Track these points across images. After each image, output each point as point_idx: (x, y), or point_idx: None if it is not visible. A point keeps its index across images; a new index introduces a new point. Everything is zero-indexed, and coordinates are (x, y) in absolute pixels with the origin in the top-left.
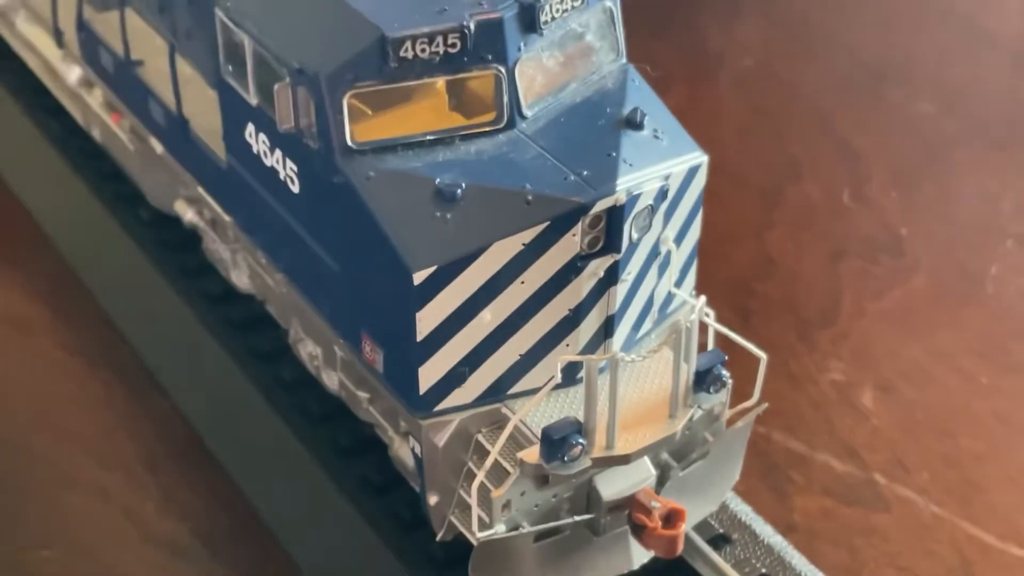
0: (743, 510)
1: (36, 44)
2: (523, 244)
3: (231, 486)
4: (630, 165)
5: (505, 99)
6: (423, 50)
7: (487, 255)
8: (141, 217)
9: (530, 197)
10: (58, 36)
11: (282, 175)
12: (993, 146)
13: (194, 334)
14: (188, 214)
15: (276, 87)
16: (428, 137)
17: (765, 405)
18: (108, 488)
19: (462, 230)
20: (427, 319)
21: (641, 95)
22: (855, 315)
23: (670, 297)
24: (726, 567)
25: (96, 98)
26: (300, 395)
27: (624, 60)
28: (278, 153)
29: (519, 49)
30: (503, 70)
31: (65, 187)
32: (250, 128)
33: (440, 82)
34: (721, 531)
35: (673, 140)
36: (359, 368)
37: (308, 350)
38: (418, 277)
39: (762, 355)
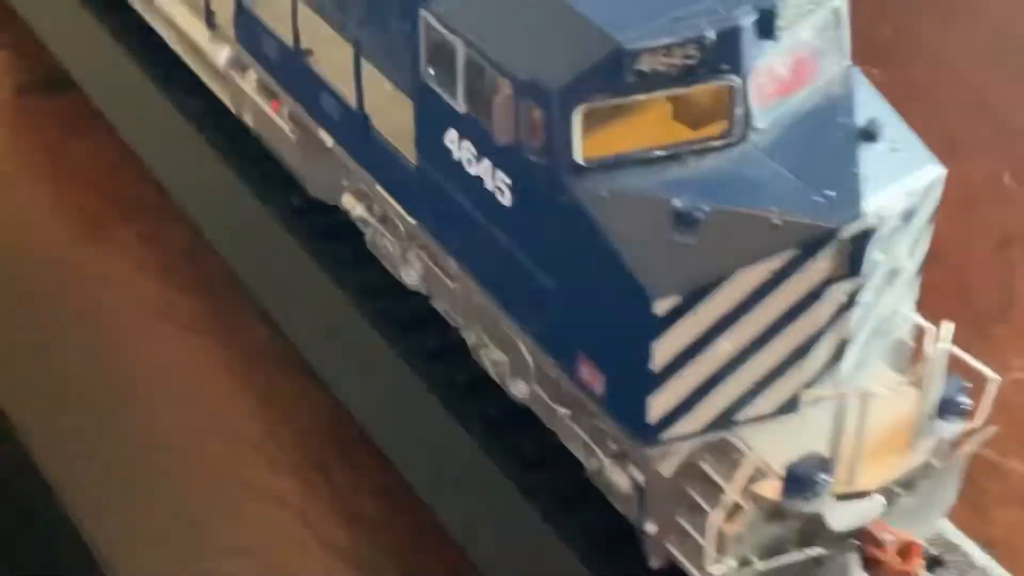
0: (948, 529)
1: (179, 21)
2: (771, 272)
3: (409, 491)
4: (873, 183)
5: (738, 111)
6: (660, 63)
7: (731, 283)
8: (292, 204)
9: (777, 221)
10: (209, 16)
11: (490, 186)
12: None
13: (357, 327)
14: (357, 209)
15: (496, 98)
16: (657, 153)
17: (995, 430)
18: (283, 494)
19: (705, 256)
20: (664, 349)
21: (870, 100)
22: None
23: (894, 314)
24: None
25: (250, 82)
26: (479, 401)
27: (849, 64)
28: (486, 163)
29: (754, 57)
30: (738, 80)
31: (212, 172)
32: (452, 134)
33: (671, 95)
34: (935, 553)
35: (910, 151)
36: (566, 386)
37: (493, 357)
38: (659, 306)
39: (995, 377)
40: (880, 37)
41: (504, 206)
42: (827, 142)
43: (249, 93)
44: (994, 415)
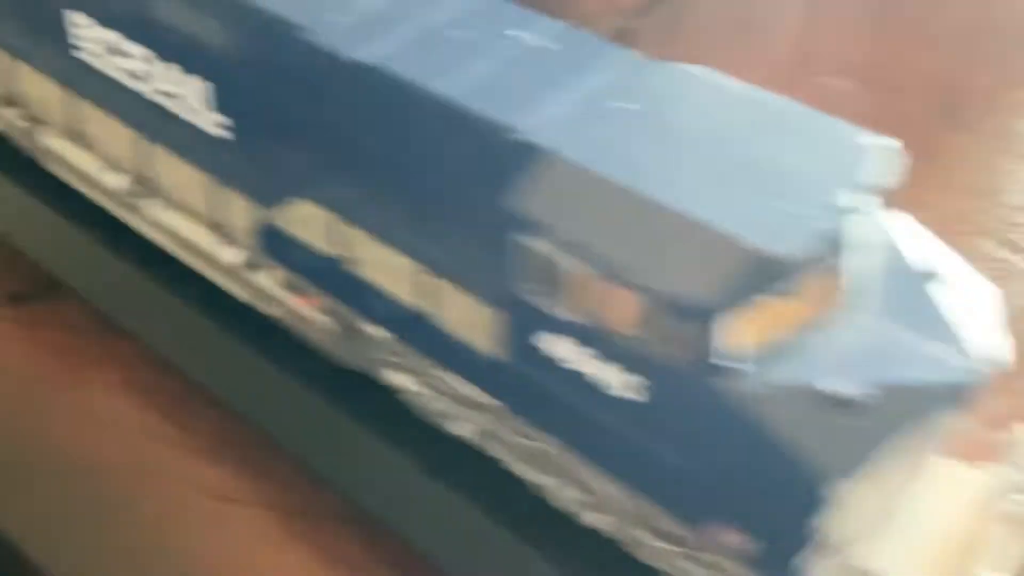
0: None
1: (178, 230)
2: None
3: None
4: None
5: (841, 281)
6: (806, 264)
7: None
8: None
9: (925, 386)
10: (216, 228)
11: (604, 383)
12: None
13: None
14: (404, 380)
15: (647, 314)
16: (790, 335)
17: None
18: None
19: (869, 432)
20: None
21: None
22: None
23: None
24: None
25: (271, 280)
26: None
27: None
28: (603, 363)
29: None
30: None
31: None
32: (547, 337)
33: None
34: None
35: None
36: (692, 541)
37: (570, 495)
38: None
39: None
40: None
41: (627, 400)
42: (911, 286)
43: (271, 291)
44: None
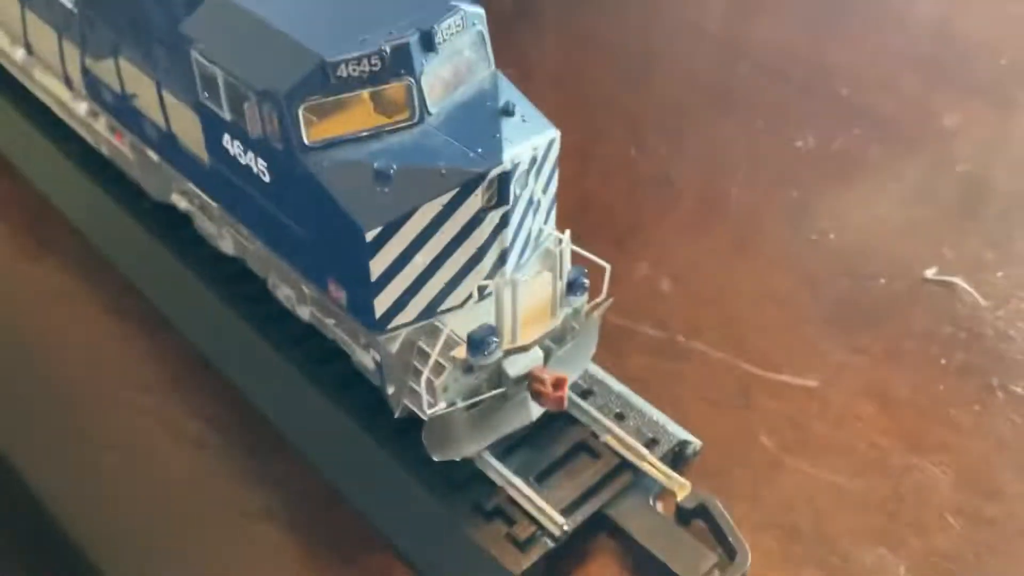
0: (596, 371)
1: (51, 88)
2: (442, 205)
3: (237, 395)
4: (509, 142)
5: (415, 102)
6: (353, 70)
7: (417, 214)
8: (144, 207)
9: (444, 171)
10: (67, 81)
11: (255, 170)
12: (723, 108)
13: (194, 287)
14: (182, 203)
15: (245, 105)
16: (362, 134)
17: (611, 300)
18: (146, 405)
19: (397, 198)
20: (377, 265)
21: (509, 91)
22: (652, 229)
23: (540, 232)
24: (593, 411)
25: (101, 124)
26: (281, 325)
27: (493, 67)
28: (250, 154)
29: (422, 64)
30: (412, 80)
31: (85, 191)
32: (226, 137)
33: (367, 92)
34: (585, 387)
35: (535, 122)
36: (326, 303)
37: (284, 293)
38: (369, 235)
39: (607, 265)
40: (553, 67)
41: (266, 183)
42: (478, 118)
43: (102, 132)
44: (626, 296)
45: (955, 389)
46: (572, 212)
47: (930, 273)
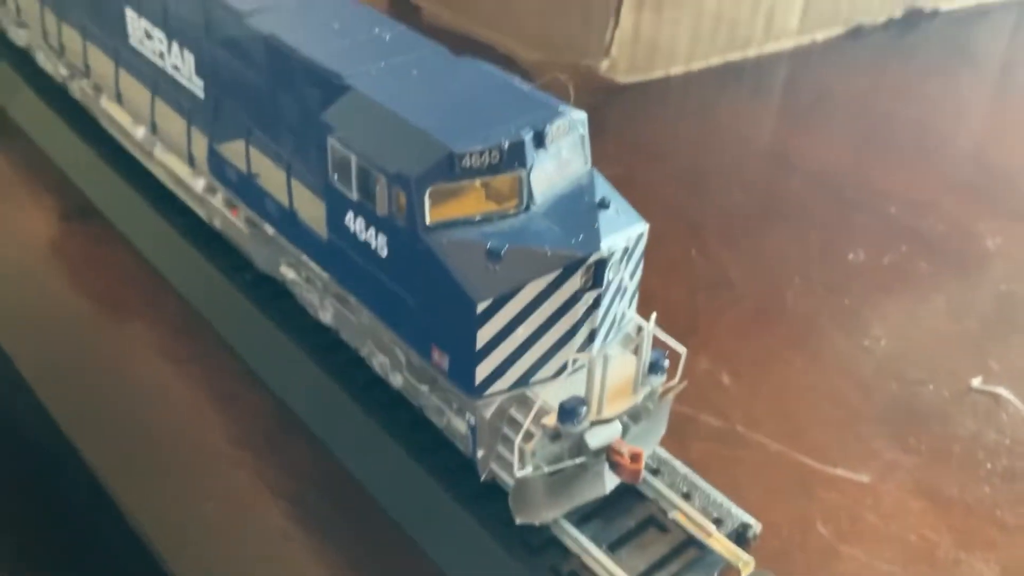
0: (662, 452)
1: (169, 165)
2: (546, 283)
3: (328, 453)
4: (606, 231)
5: (525, 192)
6: (475, 161)
7: (523, 291)
8: (246, 279)
9: (549, 252)
10: (190, 159)
11: (374, 245)
12: (777, 218)
13: (292, 353)
14: (290, 274)
15: (376, 186)
16: (476, 217)
17: (685, 383)
18: (244, 460)
19: (507, 275)
20: (483, 335)
21: (603, 187)
22: (710, 327)
23: (623, 316)
24: (663, 488)
25: (218, 199)
26: (372, 391)
27: (590, 165)
28: (371, 231)
29: (533, 159)
30: (524, 172)
31: (193, 262)
32: (349, 215)
33: (483, 181)
34: (654, 466)
35: (627, 215)
36: (425, 370)
37: (379, 360)
38: (480, 307)
39: (683, 350)
40: (615, 174)
41: (382, 257)
42: (578, 209)
43: (218, 206)
44: (689, 387)
45: (1000, 491)
46: (638, 306)
47: (976, 382)
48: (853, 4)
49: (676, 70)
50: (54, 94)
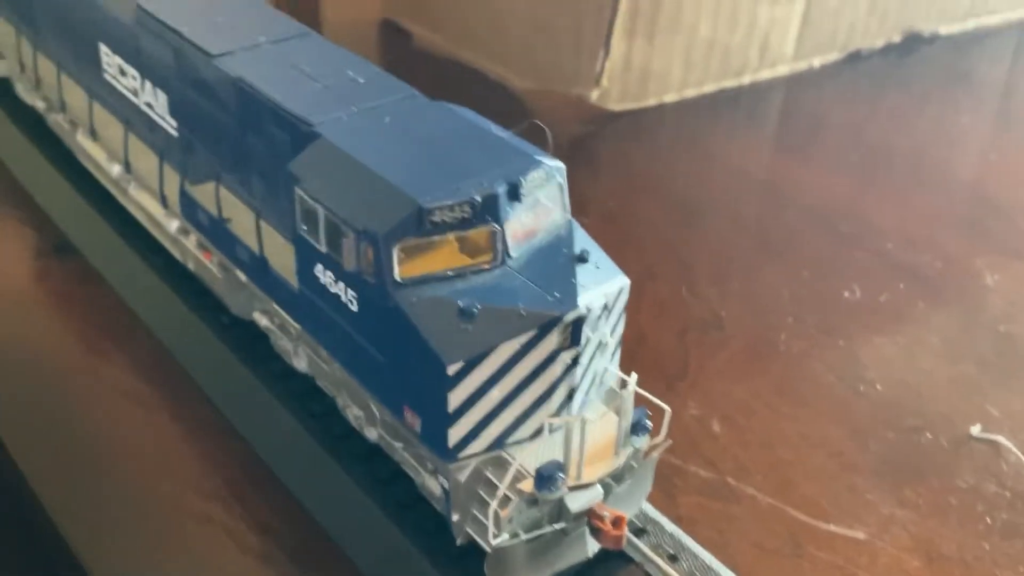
0: (649, 509)
1: (143, 204)
2: (520, 344)
3: (299, 507)
4: (584, 288)
5: (499, 246)
6: (446, 216)
7: (496, 352)
8: (223, 322)
9: (523, 312)
10: (163, 200)
11: (343, 298)
12: (770, 254)
13: (265, 400)
14: (263, 321)
15: (344, 241)
16: (448, 273)
17: (670, 442)
18: (212, 514)
19: (479, 335)
20: (455, 397)
21: (583, 239)
22: (699, 370)
23: (604, 371)
24: (648, 551)
25: (191, 241)
26: (348, 443)
27: (569, 216)
28: (341, 284)
29: (508, 212)
30: (498, 227)
31: (168, 302)
32: (319, 267)
33: (455, 236)
34: (640, 525)
35: (606, 269)
36: (399, 428)
37: (354, 413)
38: (451, 369)
39: (667, 408)
40: (608, 207)
41: (353, 312)
42: (555, 263)
43: (191, 249)
44: (677, 435)
45: (1000, 549)
46: (627, 347)
47: (975, 431)
48: (851, 29)
49: (669, 98)
50: (33, 126)
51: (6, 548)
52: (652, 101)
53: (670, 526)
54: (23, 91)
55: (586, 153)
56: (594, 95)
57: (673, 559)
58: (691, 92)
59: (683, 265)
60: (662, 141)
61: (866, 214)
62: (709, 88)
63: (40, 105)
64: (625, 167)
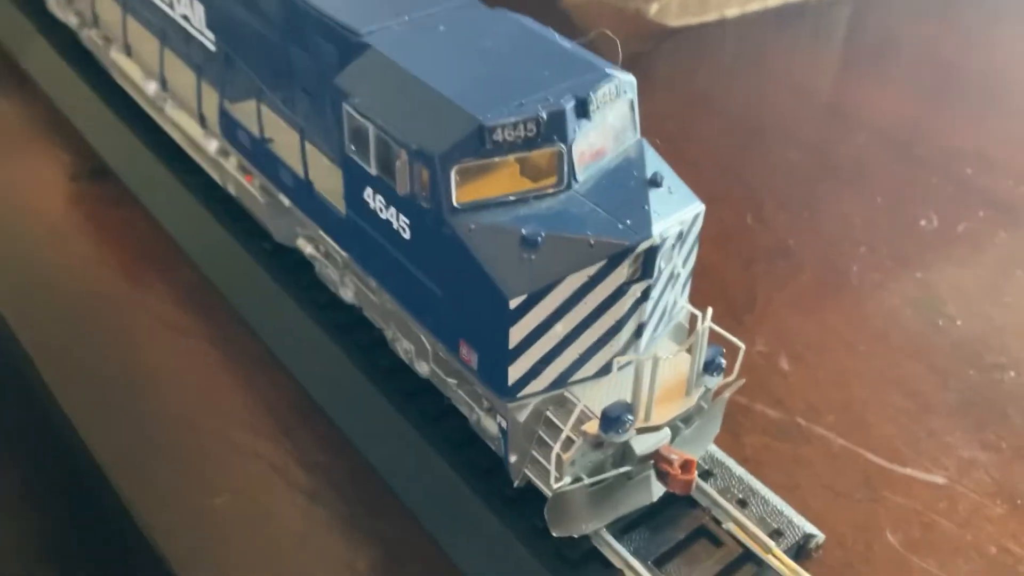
0: (716, 451)
1: (181, 124)
2: (588, 276)
3: (347, 443)
4: (658, 215)
5: (565, 168)
6: (508, 135)
7: (561, 285)
8: (264, 248)
9: (592, 241)
10: (201, 120)
11: (395, 225)
12: (840, 179)
13: (311, 331)
14: (308, 248)
15: (396, 162)
16: (510, 198)
17: (743, 381)
18: (258, 449)
19: (543, 267)
20: (517, 333)
21: (655, 161)
22: (767, 303)
23: (676, 305)
24: (716, 495)
25: (231, 163)
26: (396, 378)
27: (639, 136)
28: (392, 209)
29: (575, 131)
30: (564, 147)
31: (207, 228)
32: (368, 191)
33: (517, 157)
34: (706, 467)
35: (681, 194)
36: (453, 363)
37: (404, 346)
38: (513, 303)
39: (742, 345)
40: (666, 128)
41: (405, 239)
42: (626, 187)
43: (231, 171)
44: (744, 373)
45: None
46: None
47: None
48: None
49: (731, 12)
50: (67, 43)
51: (47, 481)
52: (713, 16)
53: (738, 469)
54: (55, 6)
55: (642, 71)
56: (653, 9)
57: (743, 504)
58: (754, 6)
59: (747, 190)
60: (723, 59)
61: (941, 137)
62: (773, 2)
63: (73, 21)
64: (684, 86)
